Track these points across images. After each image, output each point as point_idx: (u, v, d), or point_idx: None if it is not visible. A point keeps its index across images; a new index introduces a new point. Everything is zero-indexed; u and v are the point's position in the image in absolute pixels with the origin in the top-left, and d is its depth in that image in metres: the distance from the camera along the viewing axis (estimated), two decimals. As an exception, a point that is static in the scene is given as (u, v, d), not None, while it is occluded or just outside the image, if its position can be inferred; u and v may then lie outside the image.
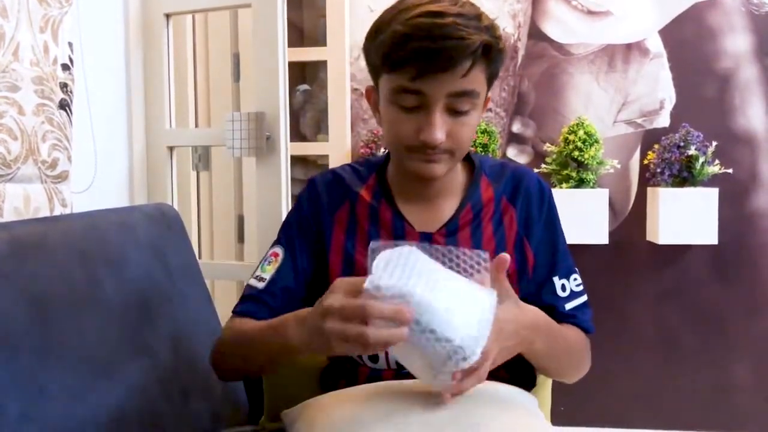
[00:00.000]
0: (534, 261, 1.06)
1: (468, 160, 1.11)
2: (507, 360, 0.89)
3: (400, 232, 1.04)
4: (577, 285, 1.09)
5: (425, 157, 0.97)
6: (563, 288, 1.07)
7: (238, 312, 1.07)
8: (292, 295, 1.06)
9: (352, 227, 1.07)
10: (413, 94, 0.93)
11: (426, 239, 1.03)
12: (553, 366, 1.03)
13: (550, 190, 1.11)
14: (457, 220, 1.05)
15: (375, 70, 0.98)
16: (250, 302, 1.06)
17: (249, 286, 1.08)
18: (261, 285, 1.06)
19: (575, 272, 1.10)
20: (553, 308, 1.05)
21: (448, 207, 1.06)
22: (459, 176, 1.08)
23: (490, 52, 0.92)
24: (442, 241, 1.03)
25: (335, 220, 1.08)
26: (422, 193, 1.05)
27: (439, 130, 0.93)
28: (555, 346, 0.98)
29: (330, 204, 1.09)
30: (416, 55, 0.89)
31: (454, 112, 0.94)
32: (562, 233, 1.10)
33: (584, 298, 1.09)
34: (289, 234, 1.10)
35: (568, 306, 1.07)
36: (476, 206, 1.06)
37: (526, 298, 0.99)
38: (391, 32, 0.91)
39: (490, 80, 0.98)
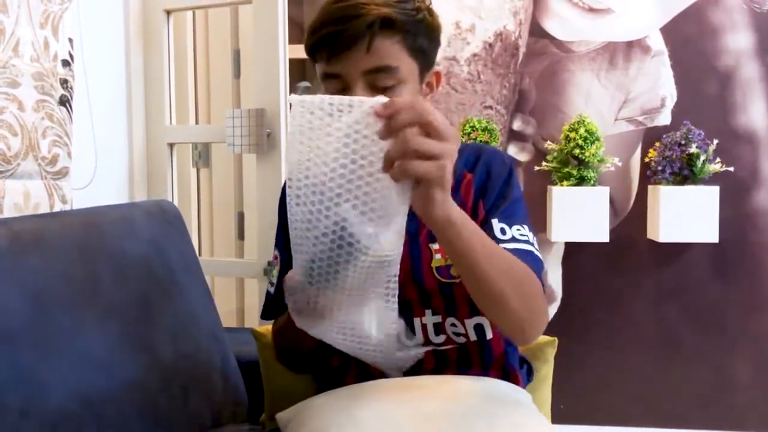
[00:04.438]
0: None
1: None
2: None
3: None
4: (521, 234, 0.99)
5: None
6: (503, 231, 0.99)
7: (265, 318, 1.15)
8: None
9: None
10: (334, 79, 0.95)
11: None
12: (488, 287, 0.85)
13: (513, 163, 1.09)
14: None
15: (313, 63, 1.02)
16: (271, 308, 1.13)
17: (267, 292, 1.14)
18: (272, 289, 1.12)
19: (522, 226, 1.00)
20: None
21: None
22: None
23: (394, 24, 0.91)
24: None
25: None
26: None
27: None
28: (483, 246, 0.83)
29: None
30: (324, 40, 0.93)
31: (377, 89, 0.94)
32: (519, 195, 1.05)
33: (530, 247, 0.98)
34: (279, 232, 1.14)
35: (509, 246, 0.96)
36: None
37: None
38: (310, 24, 0.95)
39: (417, 53, 0.95)
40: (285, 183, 1.13)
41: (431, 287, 1.02)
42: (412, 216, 1.02)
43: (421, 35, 0.95)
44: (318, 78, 0.99)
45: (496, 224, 1.00)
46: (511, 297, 0.87)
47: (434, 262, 1.02)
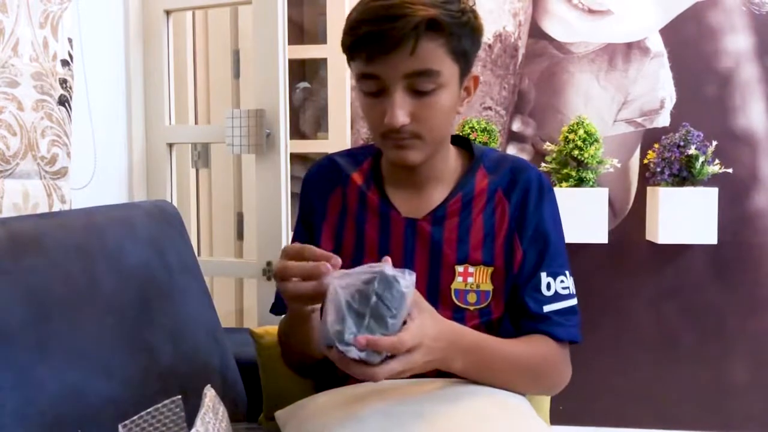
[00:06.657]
0: (522, 257, 1.02)
1: (470, 150, 1.09)
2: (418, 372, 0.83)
3: (386, 217, 1.04)
4: (564, 288, 1.02)
5: (395, 143, 0.96)
6: (548, 287, 1.02)
7: (275, 312, 1.15)
8: None
9: (343, 210, 1.08)
10: (372, 79, 0.93)
11: (411, 225, 1.03)
12: (497, 385, 0.96)
13: (551, 186, 1.07)
14: (445, 208, 1.03)
15: (347, 60, 0.99)
16: (281, 302, 1.13)
17: None
18: None
19: (564, 274, 1.03)
20: (526, 309, 1.01)
21: (437, 195, 1.04)
22: (452, 165, 1.06)
23: (439, 26, 0.89)
24: (428, 228, 1.02)
25: (329, 205, 1.09)
26: (411, 180, 1.04)
27: (399, 112, 0.91)
28: (487, 366, 0.93)
29: (322, 190, 1.11)
30: (364, 40, 0.90)
31: (416, 93, 0.92)
32: (560, 232, 1.06)
33: (571, 302, 1.03)
34: (299, 226, 1.14)
35: (548, 308, 1.01)
36: (467, 196, 1.04)
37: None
38: (349, 20, 0.92)
39: (459, 57, 0.94)
40: (305, 177, 1.14)
41: (445, 308, 1.00)
42: (435, 224, 1.03)
43: (466, 38, 0.93)
44: (354, 78, 0.96)
45: (544, 279, 1.02)
46: (524, 387, 0.98)
47: (455, 284, 1.01)
